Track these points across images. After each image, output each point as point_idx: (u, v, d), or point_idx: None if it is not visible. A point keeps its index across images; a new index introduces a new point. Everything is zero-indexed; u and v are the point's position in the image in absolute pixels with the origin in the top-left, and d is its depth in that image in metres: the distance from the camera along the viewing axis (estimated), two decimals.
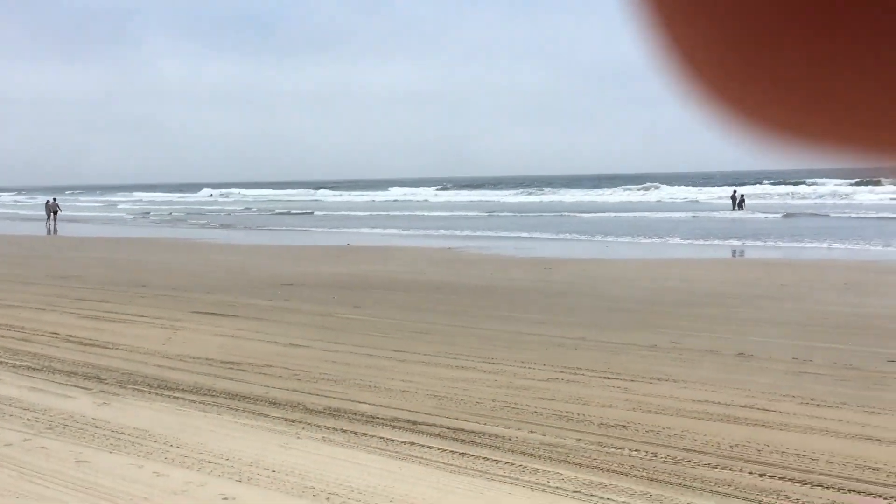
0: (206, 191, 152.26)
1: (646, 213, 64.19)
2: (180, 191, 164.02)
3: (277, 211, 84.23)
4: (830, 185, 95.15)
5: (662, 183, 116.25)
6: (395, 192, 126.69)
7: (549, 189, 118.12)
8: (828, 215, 56.94)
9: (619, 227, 48.99)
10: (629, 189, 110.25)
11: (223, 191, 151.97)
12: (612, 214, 63.70)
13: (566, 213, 66.59)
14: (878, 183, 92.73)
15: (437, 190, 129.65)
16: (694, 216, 59.80)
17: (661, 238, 40.82)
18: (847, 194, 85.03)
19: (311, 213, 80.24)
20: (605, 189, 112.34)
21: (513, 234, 44.83)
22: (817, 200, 79.08)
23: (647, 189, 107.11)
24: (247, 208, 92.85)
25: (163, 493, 7.19)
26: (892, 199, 74.25)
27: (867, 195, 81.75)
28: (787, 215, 57.73)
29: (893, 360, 12.17)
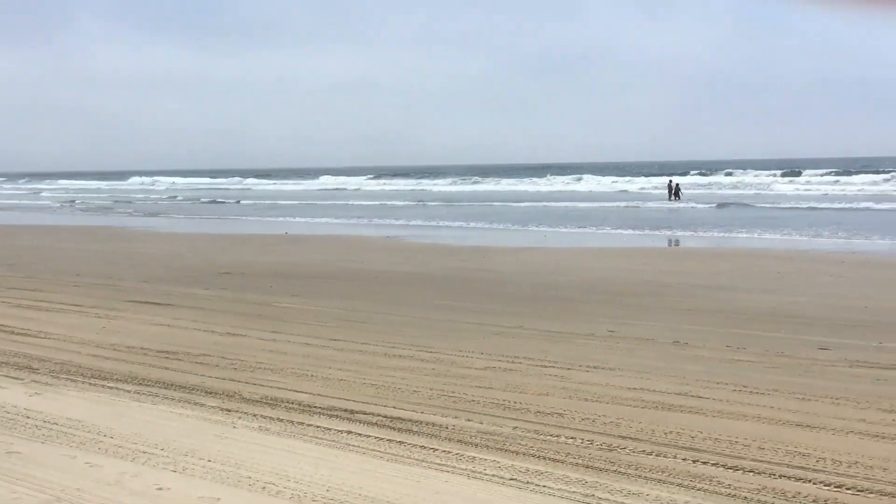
0: (136, 179, 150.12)
1: (582, 203, 64.53)
2: (109, 178, 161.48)
3: (203, 200, 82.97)
4: (752, 176, 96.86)
5: (596, 173, 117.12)
6: (326, 181, 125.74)
7: (489, 178, 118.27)
8: (754, 205, 57.69)
9: (553, 217, 49.24)
10: (565, 178, 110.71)
11: (154, 178, 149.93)
12: (545, 204, 63.91)
13: (496, 203, 66.57)
14: (798, 174, 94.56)
15: (369, 179, 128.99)
16: (627, 206, 60.16)
17: (598, 227, 41.11)
18: (768, 184, 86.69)
19: (238, 201, 79.07)
20: (539, 179, 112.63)
21: (450, 224, 44.87)
22: (743, 191, 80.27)
23: (579, 179, 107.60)
24: (171, 197, 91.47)
25: (96, 483, 7.10)
26: (807, 189, 75.79)
27: (786, 185, 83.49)
28: (720, 205, 58.41)
29: (824, 347, 12.38)
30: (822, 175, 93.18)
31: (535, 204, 64.27)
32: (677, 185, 69.94)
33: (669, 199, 66.70)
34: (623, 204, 62.61)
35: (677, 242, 34.92)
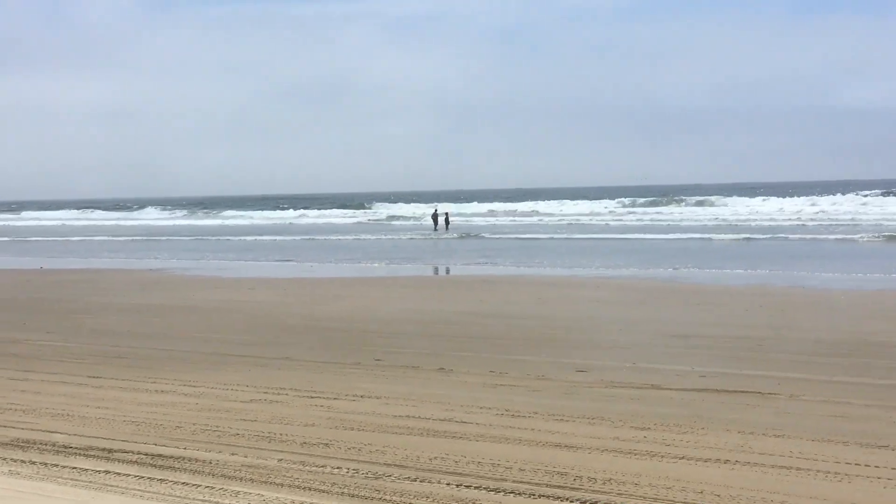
0: None
1: (337, 236, 64.73)
2: None
3: None
4: (491, 205, 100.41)
5: (364, 202, 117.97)
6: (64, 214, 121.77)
7: (248, 209, 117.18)
8: (506, 237, 59.23)
9: (315, 249, 49.19)
10: (344, 209, 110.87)
11: None
12: (307, 237, 63.69)
13: (265, 237, 65.77)
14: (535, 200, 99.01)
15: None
16: (385, 237, 60.59)
17: (361, 258, 41.30)
18: (526, 211, 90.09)
19: None
20: (298, 210, 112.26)
21: (217, 257, 44.11)
22: (487, 220, 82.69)
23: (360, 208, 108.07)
24: None
25: None
26: (539, 220, 78.82)
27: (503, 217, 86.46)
28: (475, 236, 59.52)
29: (582, 369, 12.84)
30: (563, 202, 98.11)
31: (293, 237, 63.96)
32: (446, 214, 70.88)
33: (435, 228, 67.49)
34: (385, 236, 63.15)
35: (440, 271, 35.51)
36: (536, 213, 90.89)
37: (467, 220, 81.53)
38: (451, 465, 8.22)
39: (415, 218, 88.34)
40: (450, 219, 69.68)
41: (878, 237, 46.54)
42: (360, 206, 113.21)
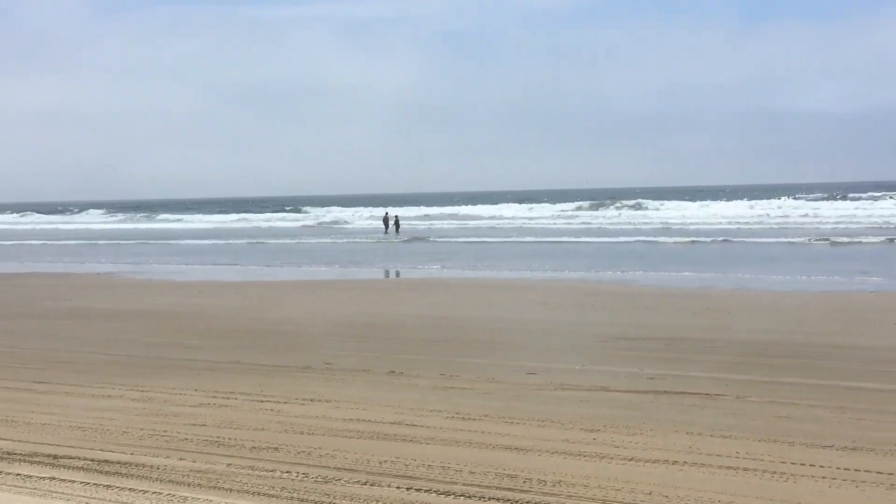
0: None
1: (295, 239, 64.47)
2: None
3: None
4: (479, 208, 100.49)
5: (314, 206, 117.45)
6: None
7: (202, 213, 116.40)
8: (460, 239, 59.34)
9: (265, 253, 48.97)
10: (281, 213, 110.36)
11: None
12: (260, 241, 63.39)
13: (216, 241, 65.32)
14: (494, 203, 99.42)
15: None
16: (338, 241, 60.38)
17: (310, 263, 41.14)
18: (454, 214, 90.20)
19: None
20: (257, 213, 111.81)
21: (167, 261, 43.75)
22: (438, 223, 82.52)
23: (298, 212, 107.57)
24: None
25: None
26: (492, 224, 78.84)
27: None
28: (416, 239, 59.45)
29: (532, 372, 12.88)
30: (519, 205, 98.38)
31: (251, 241, 63.63)
32: (396, 217, 70.82)
33: (386, 232, 67.44)
34: (342, 239, 62.99)
35: (390, 274, 35.48)
36: (481, 217, 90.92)
37: (422, 224, 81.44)
38: (400, 468, 8.21)
39: (362, 221, 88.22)
40: (400, 222, 69.69)
41: (822, 240, 47.21)
42: (298, 210, 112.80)
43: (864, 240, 46.93)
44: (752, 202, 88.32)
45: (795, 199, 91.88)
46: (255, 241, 60.51)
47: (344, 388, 12.01)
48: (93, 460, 8.62)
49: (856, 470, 7.85)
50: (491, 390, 11.71)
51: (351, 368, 13.44)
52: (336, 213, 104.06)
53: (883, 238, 47.30)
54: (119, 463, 8.52)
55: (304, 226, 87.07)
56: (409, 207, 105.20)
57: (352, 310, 21.24)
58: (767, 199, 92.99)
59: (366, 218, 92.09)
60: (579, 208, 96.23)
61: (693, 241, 48.88)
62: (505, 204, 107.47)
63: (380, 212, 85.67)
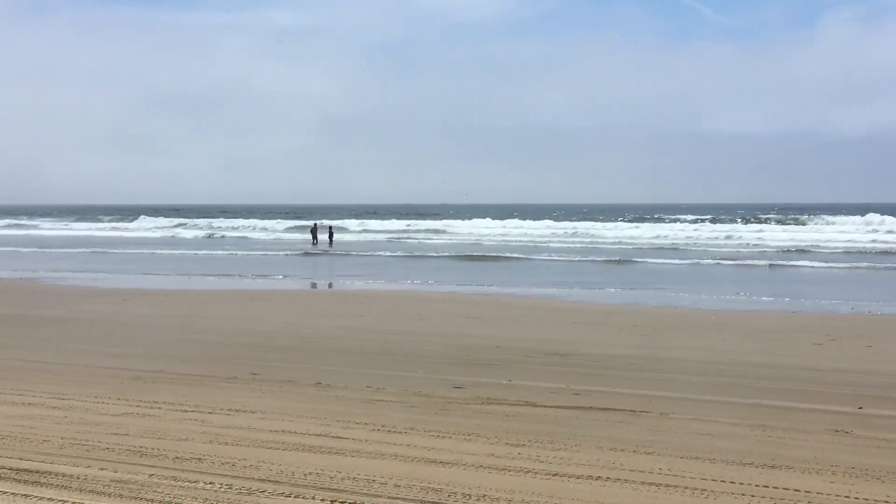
0: None
1: (220, 251, 63.92)
2: None
3: None
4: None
5: (231, 215, 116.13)
6: None
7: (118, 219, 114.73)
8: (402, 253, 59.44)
9: (197, 262, 48.48)
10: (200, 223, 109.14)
11: None
12: (182, 251, 62.71)
13: (144, 250, 64.56)
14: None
15: None
16: (253, 253, 60.15)
17: (235, 273, 40.84)
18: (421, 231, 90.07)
19: None
20: (186, 219, 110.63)
21: (88, 267, 43.11)
22: (365, 236, 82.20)
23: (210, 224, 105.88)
24: None
25: None
26: (422, 237, 78.71)
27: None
28: (345, 253, 59.43)
29: (459, 386, 12.92)
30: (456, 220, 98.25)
31: (173, 252, 62.92)
32: (330, 228, 70.46)
33: (314, 243, 66.87)
34: (263, 250, 62.55)
35: (318, 286, 35.32)
36: (409, 230, 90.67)
37: (348, 236, 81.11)
38: (326, 480, 8.18)
39: (284, 231, 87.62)
40: (333, 233, 69.38)
41: (738, 262, 47.93)
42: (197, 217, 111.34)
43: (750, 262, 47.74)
44: (674, 224, 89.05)
45: (708, 221, 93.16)
46: (185, 250, 59.83)
47: (270, 399, 11.94)
48: (10, 469, 8.46)
49: (774, 487, 8.00)
50: (417, 403, 11.72)
51: (277, 379, 13.37)
52: (255, 222, 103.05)
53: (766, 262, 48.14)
54: (38, 472, 8.37)
55: (211, 235, 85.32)
56: (340, 220, 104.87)
57: (278, 320, 21.12)
58: (700, 217, 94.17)
59: (288, 229, 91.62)
60: (506, 225, 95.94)
61: (620, 261, 49.32)
62: (435, 219, 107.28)
63: (304, 222, 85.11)
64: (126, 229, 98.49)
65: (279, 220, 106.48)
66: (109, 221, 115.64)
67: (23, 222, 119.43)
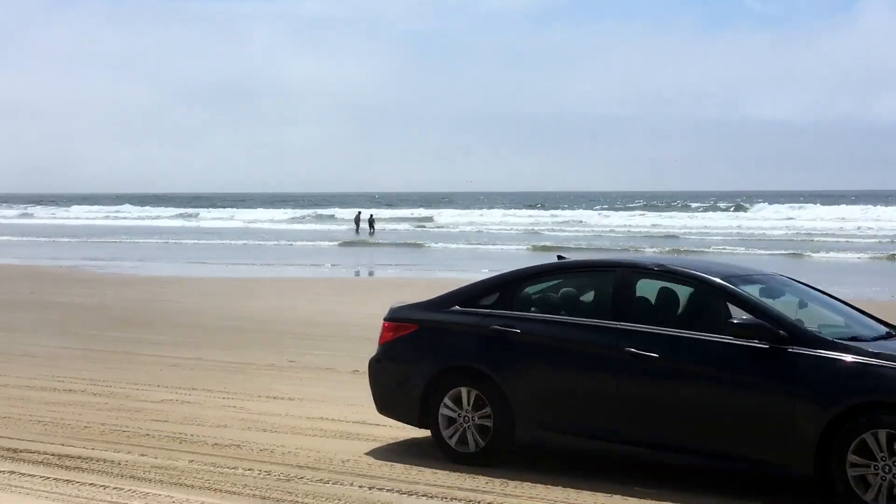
0: None
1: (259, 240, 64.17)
2: None
3: None
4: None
5: (268, 205, 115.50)
6: None
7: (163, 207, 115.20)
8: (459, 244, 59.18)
9: (234, 251, 48.76)
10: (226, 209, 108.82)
11: None
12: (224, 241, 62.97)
13: (166, 239, 64.75)
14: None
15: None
16: (289, 244, 60.18)
17: (277, 262, 40.97)
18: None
19: None
20: (212, 209, 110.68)
21: (124, 257, 43.47)
22: (404, 225, 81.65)
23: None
24: None
25: None
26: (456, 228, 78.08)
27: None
28: (387, 239, 59.24)
29: None
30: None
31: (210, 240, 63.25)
32: (371, 216, 70.03)
33: (357, 231, 66.45)
34: (300, 241, 62.70)
35: (360, 273, 35.43)
36: (432, 219, 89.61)
37: (389, 225, 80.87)
38: (363, 467, 8.23)
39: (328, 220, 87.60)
40: (374, 221, 68.88)
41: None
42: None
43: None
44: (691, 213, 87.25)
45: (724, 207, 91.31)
46: (223, 240, 60.16)
47: (308, 386, 12.00)
48: (53, 455, 8.57)
49: None
50: None
51: (315, 367, 13.43)
52: (290, 212, 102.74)
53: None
54: (80, 458, 8.47)
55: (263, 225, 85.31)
56: (377, 208, 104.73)
57: (317, 308, 21.19)
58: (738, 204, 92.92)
59: (319, 217, 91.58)
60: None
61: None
62: (456, 209, 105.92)
63: (348, 213, 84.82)
64: (190, 217, 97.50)
65: (315, 210, 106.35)
66: (176, 207, 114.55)
67: (69, 210, 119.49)
